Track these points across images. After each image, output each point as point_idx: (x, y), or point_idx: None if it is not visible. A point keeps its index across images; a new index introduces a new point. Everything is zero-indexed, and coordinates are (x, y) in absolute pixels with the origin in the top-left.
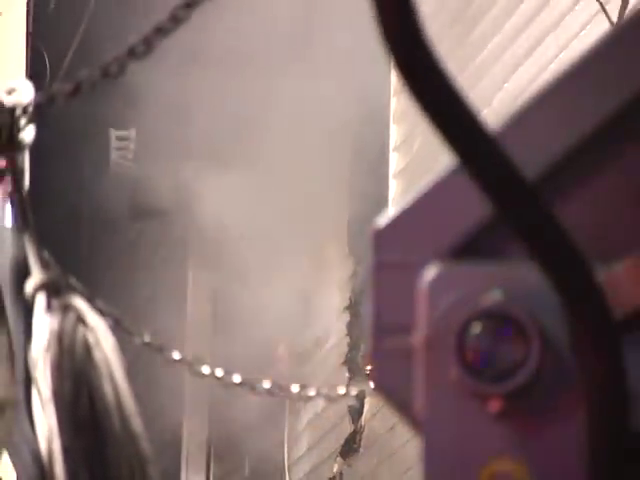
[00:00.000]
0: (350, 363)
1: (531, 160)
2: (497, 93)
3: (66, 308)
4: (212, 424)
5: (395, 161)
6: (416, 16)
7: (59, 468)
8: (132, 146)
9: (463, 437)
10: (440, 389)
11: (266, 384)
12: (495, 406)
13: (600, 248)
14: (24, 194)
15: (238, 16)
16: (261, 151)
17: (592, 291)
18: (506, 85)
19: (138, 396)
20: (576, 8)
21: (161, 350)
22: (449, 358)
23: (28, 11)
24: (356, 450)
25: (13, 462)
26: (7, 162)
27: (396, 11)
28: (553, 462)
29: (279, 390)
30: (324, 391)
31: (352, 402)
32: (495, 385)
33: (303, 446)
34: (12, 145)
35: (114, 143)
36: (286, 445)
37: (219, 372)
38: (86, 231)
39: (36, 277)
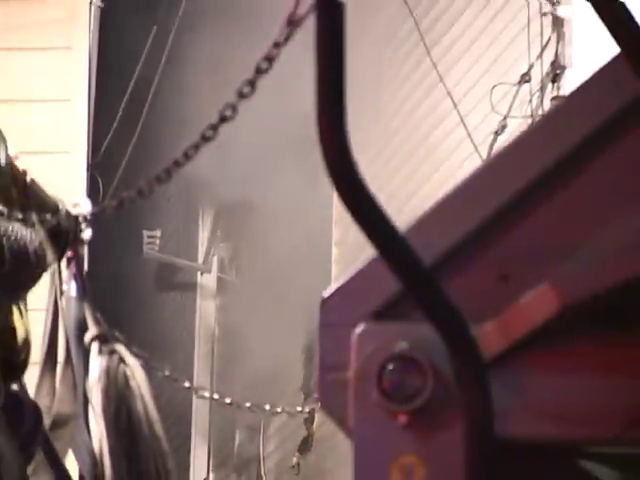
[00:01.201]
0: (305, 390)
1: (428, 251)
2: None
3: (111, 352)
4: (212, 431)
5: (335, 252)
6: (350, 157)
7: (107, 461)
8: (158, 243)
9: (380, 441)
10: (365, 408)
11: (247, 404)
12: (402, 420)
13: (474, 313)
14: (83, 274)
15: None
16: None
17: (468, 342)
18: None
19: (160, 412)
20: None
21: (176, 380)
22: (371, 387)
23: (88, 148)
24: (309, 448)
25: (75, 457)
26: (73, 253)
27: (336, 155)
28: (442, 458)
29: (257, 408)
30: (287, 409)
31: (306, 416)
32: (402, 405)
33: (273, 445)
34: (76, 242)
35: (145, 240)
36: (261, 444)
37: (216, 395)
38: (127, 298)
39: (92, 331)
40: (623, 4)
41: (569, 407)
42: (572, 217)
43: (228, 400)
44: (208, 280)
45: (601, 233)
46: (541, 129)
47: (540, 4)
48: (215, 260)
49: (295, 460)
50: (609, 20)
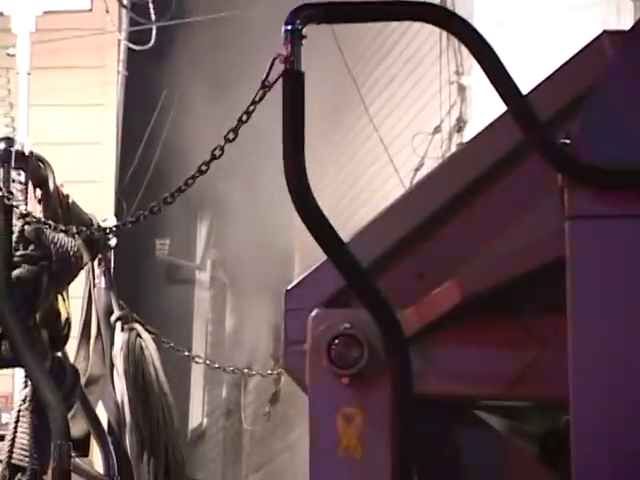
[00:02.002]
0: (274, 357)
1: (365, 255)
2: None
3: (131, 329)
4: (206, 388)
5: (297, 256)
6: (307, 186)
7: (127, 409)
8: (167, 249)
9: (329, 396)
10: (317, 372)
11: (231, 368)
12: (345, 381)
13: (398, 301)
14: (110, 272)
15: None
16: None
17: (393, 324)
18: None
19: (166, 374)
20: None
21: (178, 350)
22: (322, 356)
23: (115, 179)
24: (277, 400)
25: (104, 406)
26: (102, 256)
27: (297, 184)
28: (375, 409)
29: (238, 370)
30: (261, 371)
31: (275, 377)
32: (345, 370)
33: (250, 398)
34: (105, 248)
35: (157, 246)
36: (242, 397)
37: (208, 362)
38: (142, 290)
39: (116, 313)
40: (509, 76)
41: (467, 371)
42: (471, 232)
43: (217, 365)
44: (203, 276)
45: (491, 244)
46: (448, 166)
47: (449, 75)
48: (209, 262)
49: (267, 409)
50: (498, 87)
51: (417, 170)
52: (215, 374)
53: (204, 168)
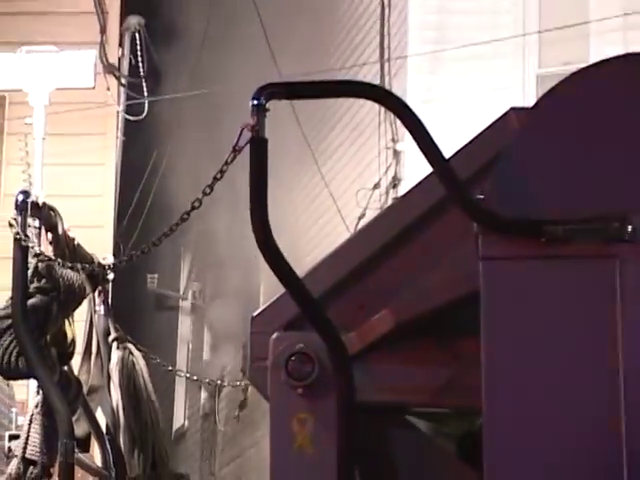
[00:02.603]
0: (243, 371)
1: (317, 289)
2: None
3: (125, 348)
4: (187, 396)
5: (262, 288)
6: (269, 233)
7: (121, 414)
8: (156, 282)
9: (286, 403)
10: (277, 383)
11: (207, 379)
12: (299, 391)
13: (343, 326)
14: (108, 301)
15: None
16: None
17: (339, 345)
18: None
19: (154, 384)
20: None
21: (164, 365)
22: (281, 371)
23: (114, 224)
24: (245, 406)
25: (102, 411)
26: (102, 288)
27: (262, 233)
28: (324, 415)
29: (213, 382)
30: (232, 383)
31: (243, 387)
32: (300, 382)
33: (223, 403)
34: (104, 282)
35: (148, 279)
36: (216, 404)
37: (188, 375)
38: (135, 315)
39: (112, 335)
40: (434, 143)
41: (400, 384)
42: (402, 271)
43: (195, 377)
44: (186, 304)
45: (417, 281)
46: (384, 216)
47: (386, 142)
48: (190, 292)
49: (236, 413)
50: (425, 153)
51: (360, 219)
52: (194, 385)
53: (185, 217)
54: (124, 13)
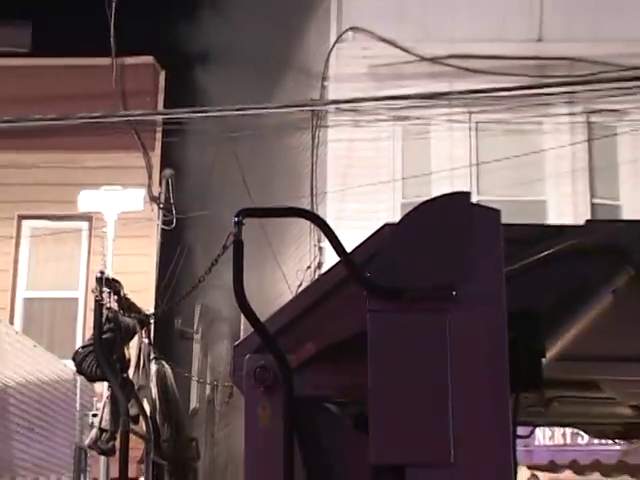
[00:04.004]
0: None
1: (272, 328)
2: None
3: (159, 363)
4: (198, 391)
5: (242, 327)
6: (244, 296)
7: (157, 402)
8: (180, 322)
9: (254, 397)
10: (249, 385)
11: (209, 381)
12: (262, 389)
13: (288, 350)
14: (150, 335)
15: None
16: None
17: (284, 362)
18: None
19: (177, 386)
20: None
21: (185, 374)
22: (251, 377)
23: (156, 289)
24: (232, 396)
25: (146, 400)
26: (146, 328)
27: (239, 295)
28: (277, 403)
29: (213, 382)
30: (224, 383)
31: (230, 386)
32: (262, 384)
33: (219, 395)
34: (148, 324)
35: (177, 323)
36: (215, 395)
37: (198, 378)
38: (167, 344)
39: (152, 355)
40: (342, 245)
41: (320, 384)
42: (320, 319)
43: (202, 380)
44: (197, 337)
45: (327, 326)
46: (310, 286)
47: (315, 241)
48: (200, 329)
49: (227, 400)
50: (336, 249)
51: (299, 287)
52: (202, 385)
53: (194, 287)
54: (162, 167)
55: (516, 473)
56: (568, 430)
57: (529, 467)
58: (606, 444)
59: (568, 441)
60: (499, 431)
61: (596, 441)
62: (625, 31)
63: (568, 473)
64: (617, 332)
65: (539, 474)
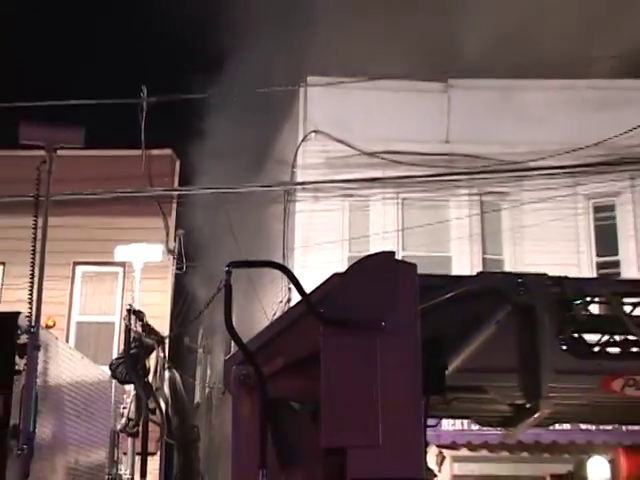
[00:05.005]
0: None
1: (252, 347)
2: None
3: (171, 370)
4: (200, 390)
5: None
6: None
7: (169, 399)
8: (188, 339)
9: (241, 395)
10: (235, 387)
11: (208, 384)
12: (245, 391)
13: (264, 363)
14: (165, 351)
15: None
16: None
17: (260, 373)
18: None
19: (184, 387)
20: None
21: (190, 379)
22: (237, 382)
23: (170, 319)
24: (224, 394)
25: (161, 397)
26: (162, 345)
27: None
28: (256, 402)
29: (212, 385)
30: (220, 385)
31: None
32: (244, 386)
33: (216, 392)
34: (163, 343)
35: (185, 339)
36: (213, 392)
37: (200, 381)
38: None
39: (166, 365)
40: (303, 290)
41: (287, 388)
42: (286, 341)
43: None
44: (201, 351)
45: (291, 346)
46: (280, 317)
47: (285, 284)
48: (203, 345)
49: (221, 397)
50: (299, 291)
51: (273, 316)
52: (203, 386)
53: (197, 316)
54: (176, 228)
55: (427, 452)
56: (465, 420)
57: (438, 446)
58: (492, 430)
59: (465, 427)
60: (415, 422)
61: (485, 428)
62: (506, 136)
63: (464, 450)
64: (498, 352)
65: (444, 451)
